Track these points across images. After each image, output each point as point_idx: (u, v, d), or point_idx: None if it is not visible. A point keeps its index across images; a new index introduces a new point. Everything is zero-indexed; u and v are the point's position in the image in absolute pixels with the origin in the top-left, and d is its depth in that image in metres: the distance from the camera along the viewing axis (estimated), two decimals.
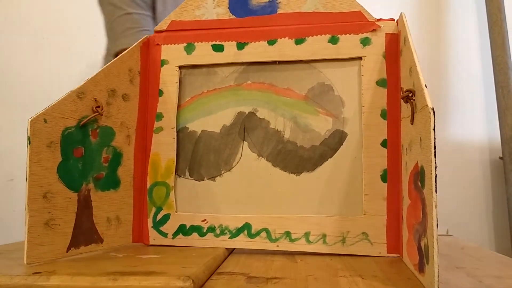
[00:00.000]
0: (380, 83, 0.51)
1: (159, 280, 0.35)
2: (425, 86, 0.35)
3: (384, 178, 0.49)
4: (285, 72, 0.55)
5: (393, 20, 0.52)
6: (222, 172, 0.55)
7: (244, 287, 0.37)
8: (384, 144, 0.50)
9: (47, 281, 0.36)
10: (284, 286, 0.38)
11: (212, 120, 0.57)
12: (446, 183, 1.19)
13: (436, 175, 0.33)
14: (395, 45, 0.50)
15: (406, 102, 0.39)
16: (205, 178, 0.56)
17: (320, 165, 0.52)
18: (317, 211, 0.52)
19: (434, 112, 0.33)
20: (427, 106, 0.33)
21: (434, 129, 0.33)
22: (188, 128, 0.57)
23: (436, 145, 0.33)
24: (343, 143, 0.52)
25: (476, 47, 1.33)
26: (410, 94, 0.39)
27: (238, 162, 0.55)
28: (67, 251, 0.45)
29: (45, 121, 0.43)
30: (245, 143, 0.55)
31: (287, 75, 0.55)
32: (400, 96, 0.46)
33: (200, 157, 0.56)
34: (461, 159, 1.22)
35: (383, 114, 0.50)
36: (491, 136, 1.26)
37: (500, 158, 1.20)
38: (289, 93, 0.55)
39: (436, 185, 0.33)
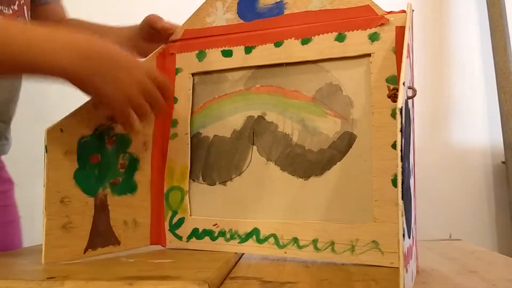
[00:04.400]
0: (390, 80, 0.45)
1: (175, 284, 0.33)
2: (403, 84, 0.31)
3: (395, 182, 0.44)
4: (293, 74, 0.51)
5: (404, 11, 0.46)
6: (233, 177, 0.53)
7: None
8: (395, 146, 0.44)
9: (61, 286, 0.34)
10: None
11: (223, 125, 0.55)
12: (449, 187, 1.14)
13: (402, 180, 0.29)
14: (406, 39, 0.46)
15: (393, 101, 0.36)
16: (217, 183, 0.54)
17: (329, 169, 0.48)
18: (326, 217, 0.48)
19: (401, 113, 0.29)
20: (397, 105, 0.29)
21: (401, 131, 0.29)
22: (201, 133, 0.55)
23: (408, 147, 0.30)
24: (352, 146, 0.47)
25: (478, 52, 1.28)
26: (396, 93, 0.35)
27: (247, 167, 0.53)
28: (84, 253, 0.44)
29: (62, 130, 0.42)
30: (255, 147, 0.53)
31: (295, 77, 0.51)
32: (387, 94, 0.42)
33: (212, 162, 0.54)
34: (464, 164, 1.17)
35: (394, 114, 0.45)
36: (494, 141, 1.21)
37: (503, 162, 1.15)
38: (297, 95, 0.51)
39: (402, 192, 0.29)
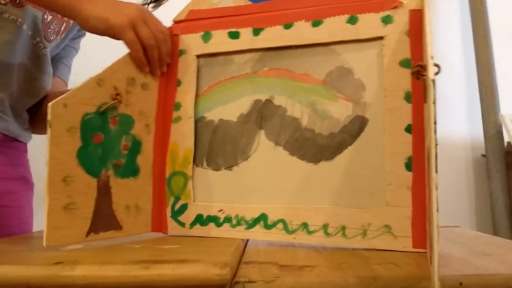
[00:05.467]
0: (404, 63, 0.45)
1: (196, 267, 0.31)
2: (431, 57, 0.31)
3: (409, 166, 0.43)
4: (303, 57, 0.50)
5: None
6: (239, 162, 0.51)
7: (280, 274, 0.33)
8: (408, 129, 0.44)
9: (72, 271, 0.32)
10: (321, 273, 0.34)
11: (229, 108, 0.53)
12: None
13: (436, 153, 0.28)
14: (419, 22, 0.44)
15: (417, 78, 0.35)
16: (222, 168, 0.52)
17: (340, 153, 0.47)
18: (336, 201, 0.46)
19: (434, 84, 0.28)
20: (427, 77, 0.29)
21: (434, 102, 0.28)
22: (205, 117, 0.53)
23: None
24: (364, 130, 0.46)
25: (460, 47, 1.31)
26: (421, 69, 0.35)
27: (255, 151, 0.51)
28: (86, 236, 0.42)
29: (65, 106, 0.39)
30: (262, 132, 0.51)
31: (305, 60, 0.50)
32: (411, 71, 0.41)
33: (217, 147, 0.52)
34: (445, 157, 1.20)
35: (407, 97, 0.44)
36: (474, 134, 1.25)
37: (483, 155, 1.19)
38: (306, 78, 0.50)
39: (436, 165, 0.28)
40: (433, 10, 1.24)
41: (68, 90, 0.67)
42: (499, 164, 1.15)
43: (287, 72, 0.51)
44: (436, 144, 0.29)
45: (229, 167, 0.52)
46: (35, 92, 0.62)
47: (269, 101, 0.51)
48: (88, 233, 0.42)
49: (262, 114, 0.51)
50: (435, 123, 0.29)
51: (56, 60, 0.70)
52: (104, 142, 0.44)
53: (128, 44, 0.48)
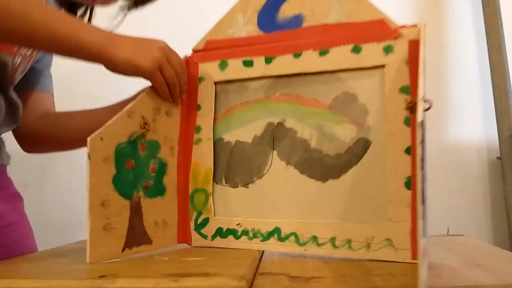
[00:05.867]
0: (403, 90, 0.49)
1: (217, 280, 0.36)
2: (423, 98, 0.35)
3: (408, 185, 0.48)
4: (311, 83, 0.55)
5: (416, 26, 0.50)
6: (254, 179, 0.57)
7: (290, 286, 0.38)
8: (408, 151, 0.48)
9: (113, 284, 0.37)
10: (325, 285, 0.38)
11: (244, 131, 0.58)
12: (446, 182, 1.18)
13: (422, 189, 0.32)
14: (417, 52, 0.48)
15: (411, 112, 0.40)
16: (239, 185, 0.57)
17: (345, 172, 0.52)
18: (343, 217, 0.51)
19: (422, 126, 0.32)
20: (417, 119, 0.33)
21: (422, 142, 0.32)
22: (224, 139, 0.59)
23: (425, 154, 0.33)
24: (368, 151, 0.51)
25: (474, 51, 1.32)
26: (414, 106, 0.39)
27: (268, 170, 0.56)
28: (122, 251, 0.47)
29: (101, 139, 0.45)
30: (275, 152, 0.56)
31: (313, 86, 0.55)
32: (405, 107, 0.46)
33: (234, 166, 0.58)
34: (460, 160, 1.21)
35: (407, 121, 0.48)
36: (489, 136, 1.25)
37: (498, 158, 1.19)
38: (314, 103, 0.55)
39: (423, 198, 0.32)
40: (447, 16, 1.26)
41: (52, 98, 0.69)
42: None
43: (297, 97, 0.56)
44: (423, 181, 0.33)
45: (245, 185, 0.57)
46: (11, 122, 0.62)
47: (280, 124, 0.56)
48: (123, 249, 0.48)
49: (275, 136, 0.56)
50: (422, 160, 0.33)
51: (36, 74, 0.69)
52: (135, 167, 0.51)
53: (157, 86, 0.53)
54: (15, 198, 0.67)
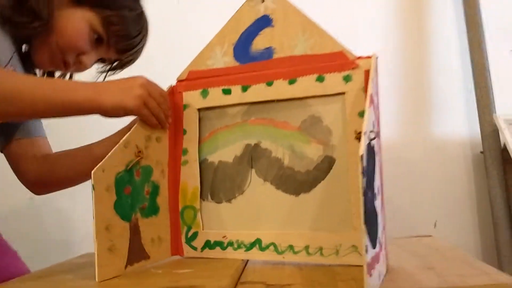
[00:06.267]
0: (361, 114, 0.55)
1: None
2: (364, 133, 0.41)
3: None
4: (282, 108, 0.62)
5: (370, 57, 0.55)
6: (236, 195, 0.64)
7: None
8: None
9: None
10: None
11: (226, 152, 0.65)
12: (431, 177, 1.23)
13: (365, 209, 0.38)
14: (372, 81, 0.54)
15: (359, 142, 0.45)
16: (223, 201, 0.65)
17: (315, 187, 0.59)
18: (315, 227, 0.58)
19: (362, 160, 0.38)
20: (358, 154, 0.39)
21: (362, 173, 0.38)
22: (208, 159, 0.66)
23: (371, 180, 0.38)
24: (332, 167, 0.58)
25: (456, 49, 1.35)
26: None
27: (248, 186, 0.63)
28: (125, 268, 0.55)
29: (103, 170, 0.52)
30: (253, 170, 0.63)
31: (284, 111, 0.62)
32: (355, 137, 0.52)
33: (218, 183, 0.65)
34: (445, 155, 1.26)
35: None
36: (472, 132, 1.30)
37: (481, 152, 1.25)
38: (286, 125, 0.62)
39: (365, 218, 0.39)
40: (429, 16, 1.31)
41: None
42: (496, 162, 1.21)
43: (270, 121, 0.62)
44: (365, 204, 0.40)
45: (228, 200, 0.64)
46: None
47: (257, 145, 0.63)
48: (126, 266, 0.55)
49: (252, 156, 0.63)
50: (363, 188, 0.40)
51: (28, 122, 0.73)
52: (132, 192, 0.57)
53: (144, 119, 0.59)
54: None
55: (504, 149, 1.22)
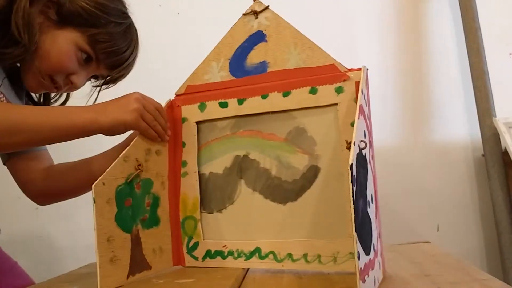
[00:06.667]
0: (353, 124, 0.56)
1: None
2: (353, 143, 0.43)
3: None
4: (268, 120, 0.64)
5: (360, 69, 0.57)
6: (227, 205, 0.66)
7: None
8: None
9: None
10: None
11: (216, 163, 0.67)
12: (433, 181, 1.23)
13: (355, 217, 0.40)
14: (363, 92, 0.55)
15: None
16: (214, 211, 0.67)
17: (301, 195, 0.61)
18: (307, 235, 0.60)
19: (351, 169, 0.40)
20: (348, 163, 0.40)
21: (351, 182, 0.40)
22: (199, 171, 0.68)
23: (359, 190, 0.40)
24: (318, 176, 0.60)
25: (454, 54, 1.36)
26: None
27: (238, 197, 0.65)
28: (127, 278, 0.57)
29: (104, 184, 0.54)
30: (242, 181, 0.65)
31: (270, 123, 0.64)
32: (346, 146, 0.53)
33: (209, 194, 0.67)
34: (446, 158, 1.26)
35: None
36: (473, 135, 1.30)
37: (482, 155, 1.25)
38: (272, 137, 0.64)
39: (356, 226, 0.40)
40: (428, 21, 1.32)
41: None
42: (497, 165, 1.22)
43: (258, 132, 0.65)
44: (356, 212, 0.41)
45: (219, 210, 0.66)
46: None
47: (246, 156, 0.65)
48: (128, 276, 0.57)
49: (241, 167, 0.65)
50: (353, 196, 0.41)
51: None
52: (132, 204, 0.59)
53: (142, 132, 0.61)
54: None
55: (505, 152, 1.22)
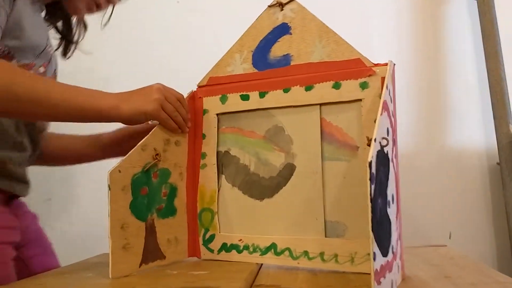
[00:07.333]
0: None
1: None
2: (374, 140, 0.41)
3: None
4: (249, 118, 0.65)
5: (387, 64, 0.55)
6: None
7: None
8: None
9: None
10: None
11: None
12: (447, 188, 1.21)
13: (373, 216, 0.38)
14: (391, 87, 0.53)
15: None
16: None
17: (277, 192, 0.62)
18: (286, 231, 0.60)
19: (370, 167, 0.39)
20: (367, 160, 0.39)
21: (370, 179, 0.38)
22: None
23: (379, 189, 0.38)
24: (293, 174, 0.61)
25: (472, 59, 1.34)
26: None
27: (218, 191, 0.67)
28: (139, 266, 0.56)
29: (120, 171, 0.54)
30: (223, 176, 0.66)
31: (251, 120, 0.65)
32: (367, 143, 0.52)
33: None
34: (461, 166, 1.24)
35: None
36: (489, 142, 1.28)
37: (498, 163, 1.23)
38: (252, 134, 0.65)
39: (373, 226, 0.38)
40: (446, 25, 1.30)
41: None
42: None
43: (239, 129, 0.65)
44: (373, 211, 0.39)
45: None
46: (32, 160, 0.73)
47: (227, 152, 0.66)
48: (140, 264, 0.57)
49: (223, 162, 0.66)
50: (370, 194, 0.39)
51: None
52: (148, 193, 0.59)
53: (162, 122, 0.61)
54: (31, 217, 0.76)
55: None
